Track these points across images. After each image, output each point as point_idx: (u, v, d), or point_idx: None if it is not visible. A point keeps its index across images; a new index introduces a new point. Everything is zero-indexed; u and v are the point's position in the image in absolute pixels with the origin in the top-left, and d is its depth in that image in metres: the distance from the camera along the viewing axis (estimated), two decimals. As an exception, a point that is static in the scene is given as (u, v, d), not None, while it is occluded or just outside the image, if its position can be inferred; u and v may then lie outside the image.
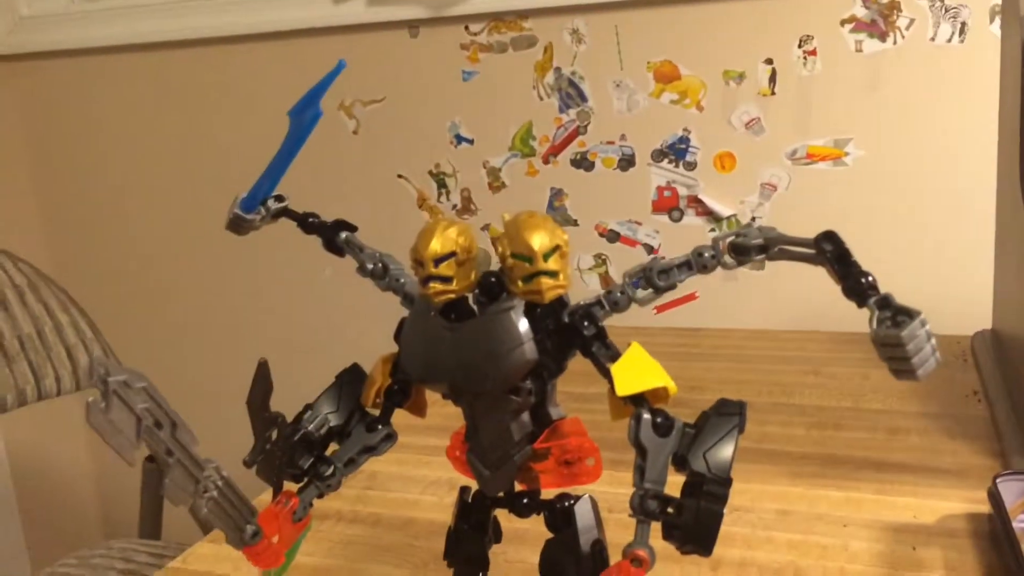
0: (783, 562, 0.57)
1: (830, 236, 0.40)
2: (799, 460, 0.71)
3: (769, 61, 1.37)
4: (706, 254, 0.41)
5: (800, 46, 1.36)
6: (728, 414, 0.39)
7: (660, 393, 0.39)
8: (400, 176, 1.62)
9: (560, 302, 0.40)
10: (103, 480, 1.99)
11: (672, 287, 0.41)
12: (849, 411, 0.79)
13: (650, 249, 1.51)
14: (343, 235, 0.50)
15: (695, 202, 1.46)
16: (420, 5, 1.52)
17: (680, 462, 0.38)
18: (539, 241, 0.38)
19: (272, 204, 0.53)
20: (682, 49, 1.42)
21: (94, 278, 1.84)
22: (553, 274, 0.39)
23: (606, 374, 0.39)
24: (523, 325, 0.39)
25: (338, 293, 1.71)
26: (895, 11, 1.30)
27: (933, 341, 0.36)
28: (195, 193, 1.76)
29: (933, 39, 1.30)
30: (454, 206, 1.60)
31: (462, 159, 1.58)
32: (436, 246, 0.40)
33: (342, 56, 1.60)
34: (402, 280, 0.46)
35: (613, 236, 1.53)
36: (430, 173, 1.60)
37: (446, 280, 0.40)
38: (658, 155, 1.47)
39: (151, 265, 1.82)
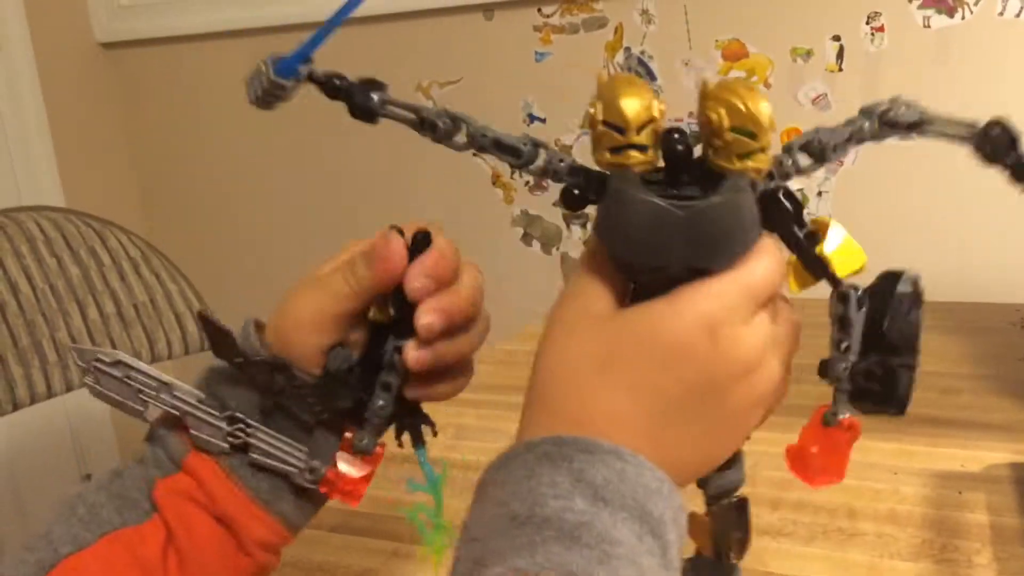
0: (838, 503, 0.63)
1: (1001, 124, 0.39)
2: (857, 416, 0.76)
3: (837, 38, 1.40)
4: (866, 125, 0.39)
5: (868, 23, 1.38)
6: (908, 286, 0.39)
7: (857, 271, 0.39)
8: (475, 154, 1.69)
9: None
10: (197, 442, 2.13)
11: (834, 159, 0.40)
12: (906, 373, 0.83)
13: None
14: (375, 96, 0.41)
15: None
16: (495, -11, 1.58)
17: (869, 332, 0.38)
18: (768, 116, 0.35)
19: (303, 68, 0.43)
20: (750, 27, 1.46)
21: (189, 252, 1.96)
22: (767, 149, 0.36)
23: (805, 254, 0.39)
24: (755, 207, 0.37)
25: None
26: (963, -13, 1.32)
27: None
28: (286, 173, 1.86)
29: (1002, 14, 1.31)
30: (527, 183, 1.67)
31: (534, 136, 1.64)
32: (641, 110, 0.36)
33: (421, 40, 1.67)
34: (527, 147, 0.40)
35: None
36: (504, 151, 1.67)
37: (644, 149, 0.36)
38: (726, 131, 1.51)
39: (245, 243, 1.93)
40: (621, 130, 0.36)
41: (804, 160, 0.39)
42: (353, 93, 0.42)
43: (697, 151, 0.37)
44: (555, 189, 1.66)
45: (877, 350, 0.38)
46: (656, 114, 0.36)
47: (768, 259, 0.37)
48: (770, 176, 0.38)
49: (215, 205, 1.94)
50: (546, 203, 1.66)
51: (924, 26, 1.35)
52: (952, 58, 1.35)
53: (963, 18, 1.33)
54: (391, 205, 1.76)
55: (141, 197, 2.01)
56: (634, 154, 0.36)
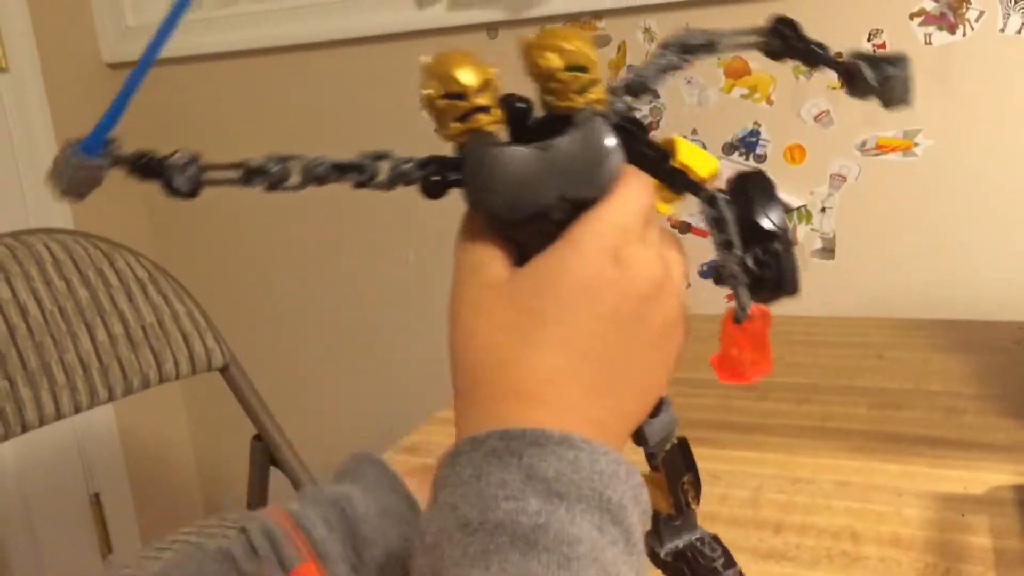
0: (841, 526, 0.63)
1: (785, 19, 0.42)
2: (859, 437, 0.76)
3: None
4: (670, 58, 0.42)
5: (869, 39, 1.39)
6: (758, 179, 0.41)
7: (713, 174, 0.41)
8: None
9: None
10: (204, 461, 2.13)
11: (655, 87, 0.42)
12: (910, 393, 0.84)
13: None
14: (189, 170, 0.41)
15: (766, 193, 1.51)
16: (499, 8, 1.59)
17: (743, 226, 0.39)
18: (589, 48, 0.38)
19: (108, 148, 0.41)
20: (752, 45, 1.46)
21: (198, 273, 1.97)
22: (598, 81, 0.38)
23: (662, 171, 0.40)
24: (610, 131, 0.38)
25: (423, 278, 1.80)
26: (964, 3, 1.33)
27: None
28: (290, 194, 1.87)
29: (1003, 31, 1.32)
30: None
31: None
32: (473, 76, 0.38)
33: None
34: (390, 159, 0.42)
35: (685, 227, 1.58)
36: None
37: (487, 110, 0.38)
38: (729, 148, 1.52)
39: (250, 262, 1.94)
40: (462, 97, 0.38)
41: (630, 98, 0.41)
42: (165, 171, 0.41)
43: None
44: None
45: (756, 240, 0.39)
46: (490, 76, 0.38)
47: (636, 178, 0.38)
48: (625, 108, 0.40)
49: (223, 226, 1.95)
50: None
51: (925, 43, 1.36)
52: (953, 75, 1.35)
53: (964, 35, 1.34)
54: (399, 222, 1.77)
55: (149, 217, 2.02)
56: (481, 116, 0.38)
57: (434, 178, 0.40)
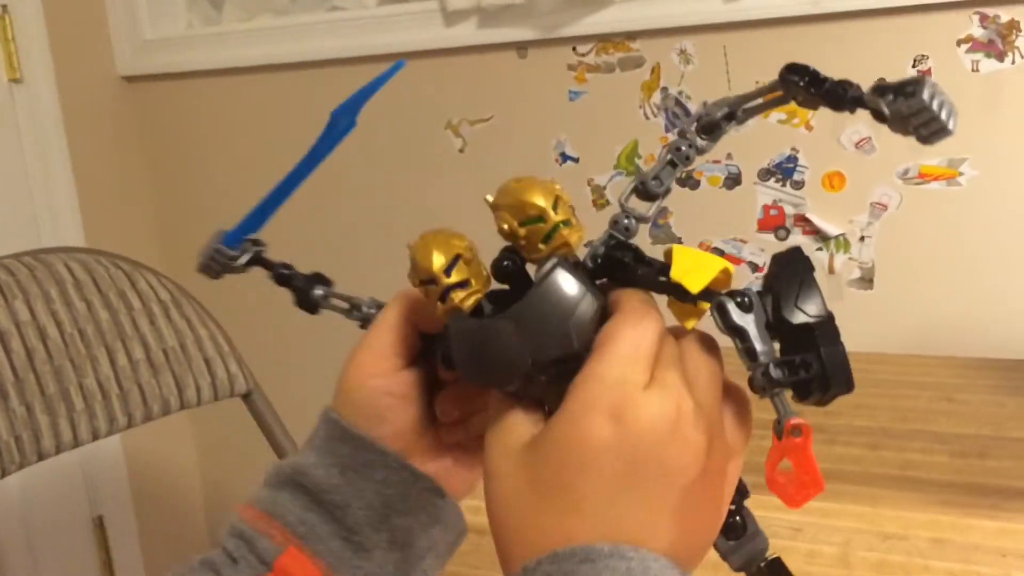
0: (946, 590, 0.58)
1: (795, 67, 0.38)
2: (946, 488, 0.72)
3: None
4: (682, 147, 0.40)
5: (914, 65, 1.35)
6: (792, 261, 0.38)
7: (721, 278, 0.38)
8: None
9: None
10: (210, 487, 2.07)
11: (668, 191, 0.41)
12: (990, 439, 0.79)
13: (755, 267, 1.52)
14: (319, 290, 0.48)
15: (802, 221, 1.47)
16: (529, 27, 1.56)
17: (776, 326, 0.37)
18: (543, 197, 0.37)
19: (250, 247, 0.48)
20: (792, 69, 1.43)
21: (213, 293, 1.92)
22: (567, 222, 0.38)
23: (664, 287, 0.38)
24: (570, 279, 0.37)
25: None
26: (1014, 31, 1.29)
27: (944, 92, 0.36)
28: (305, 210, 1.82)
29: (1054, 59, 1.28)
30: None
31: (567, 177, 1.61)
32: (439, 257, 0.39)
33: (452, 77, 1.64)
34: None
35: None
36: (535, 191, 1.64)
37: (464, 285, 0.39)
38: (765, 174, 1.48)
39: (267, 284, 1.89)
40: (433, 281, 0.39)
41: (640, 207, 0.40)
42: (299, 286, 0.48)
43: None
44: (586, 230, 1.62)
45: (794, 338, 0.36)
46: (460, 251, 0.39)
47: (631, 317, 0.36)
48: (611, 237, 0.39)
49: (236, 241, 1.90)
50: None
51: (972, 70, 1.33)
52: (1001, 103, 1.32)
53: (1013, 63, 1.30)
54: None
55: (161, 234, 1.97)
56: (456, 294, 0.38)
57: (441, 358, 0.44)
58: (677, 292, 0.38)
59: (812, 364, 0.35)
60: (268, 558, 0.42)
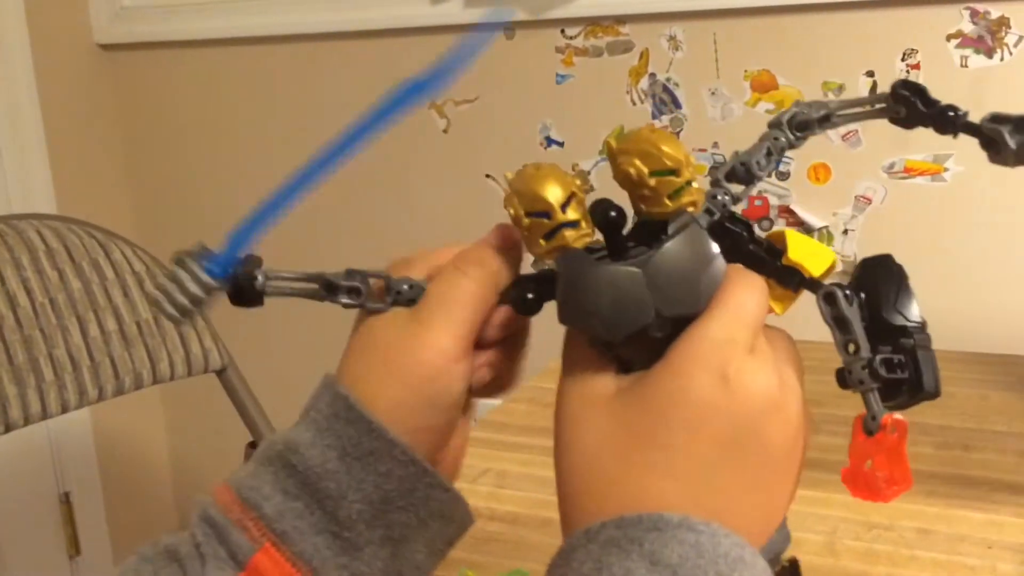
0: (932, 581, 0.58)
1: (908, 83, 0.39)
2: (931, 479, 0.71)
3: (870, 74, 1.37)
4: (780, 137, 0.39)
5: (903, 59, 1.35)
6: (887, 266, 0.39)
7: (830, 268, 0.38)
8: (488, 176, 1.64)
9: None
10: (179, 465, 2.04)
11: (762, 178, 0.40)
12: (975, 432, 0.79)
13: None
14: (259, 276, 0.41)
15: (786, 212, 1.46)
16: (517, 7, 1.54)
17: (872, 325, 0.37)
18: (680, 150, 0.36)
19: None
20: (781, 59, 1.42)
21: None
22: (692, 182, 0.37)
23: (772, 267, 0.38)
24: (708, 238, 0.36)
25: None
26: (1003, 27, 1.29)
27: None
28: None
29: (1042, 57, 1.28)
30: (541, 207, 1.62)
31: (551, 161, 1.59)
32: (556, 190, 0.37)
33: (437, 55, 1.62)
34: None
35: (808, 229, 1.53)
36: (519, 174, 1.62)
37: (575, 225, 0.37)
38: (750, 164, 1.47)
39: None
40: (548, 214, 0.37)
41: (735, 187, 0.39)
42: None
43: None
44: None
45: (887, 339, 0.37)
46: (574, 189, 0.37)
47: (743, 283, 0.36)
48: (708, 212, 0.38)
49: (212, 216, 1.87)
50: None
51: (961, 65, 1.32)
52: (989, 99, 1.32)
53: (1002, 59, 1.30)
54: (403, 222, 1.71)
55: (134, 205, 1.93)
56: (569, 232, 0.37)
57: (529, 296, 0.40)
58: (784, 275, 0.38)
59: (911, 369, 0.36)
60: (241, 555, 0.37)
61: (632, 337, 0.35)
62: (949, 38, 1.32)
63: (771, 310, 0.38)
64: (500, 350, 0.41)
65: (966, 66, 1.32)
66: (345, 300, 0.41)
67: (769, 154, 0.39)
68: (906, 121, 0.40)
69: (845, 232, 1.44)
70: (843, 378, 0.37)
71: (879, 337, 0.37)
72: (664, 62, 1.49)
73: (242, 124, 1.80)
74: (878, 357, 0.36)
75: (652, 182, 0.36)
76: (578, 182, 0.37)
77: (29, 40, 1.69)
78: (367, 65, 1.67)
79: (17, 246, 1.05)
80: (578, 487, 0.35)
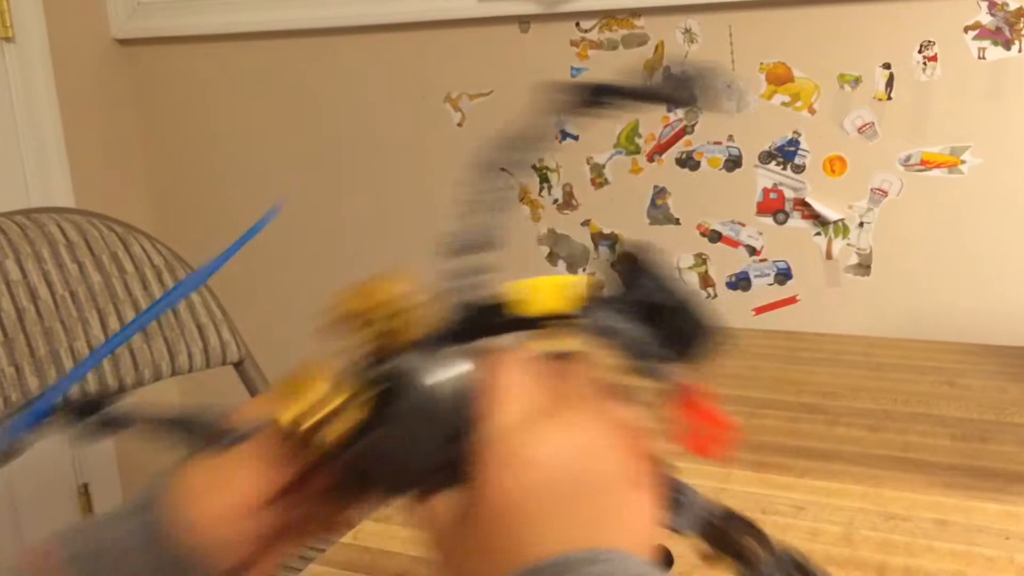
0: (950, 571, 0.58)
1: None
2: (948, 471, 0.71)
3: (887, 66, 1.37)
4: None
5: (920, 51, 1.34)
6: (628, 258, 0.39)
7: (566, 295, 0.38)
8: (503, 169, 1.64)
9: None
10: (197, 453, 2.06)
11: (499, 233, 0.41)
12: (992, 424, 0.79)
13: (752, 250, 1.51)
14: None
15: (802, 205, 1.46)
16: (532, 1, 1.54)
17: (650, 311, 0.37)
18: (361, 301, 0.38)
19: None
20: (797, 51, 1.42)
21: (202, 258, 1.90)
22: (376, 319, 0.38)
23: (515, 326, 0.38)
24: (437, 372, 0.37)
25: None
26: (1021, 19, 1.29)
27: None
28: (299, 181, 1.80)
29: (1061, 48, 1.28)
30: (555, 200, 1.62)
31: (566, 154, 1.60)
32: (288, 408, 0.39)
33: (453, 50, 1.62)
34: None
35: (715, 236, 1.53)
36: (533, 167, 1.62)
37: (328, 420, 0.38)
38: (766, 157, 1.47)
39: (259, 247, 1.87)
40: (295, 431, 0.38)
41: (472, 261, 0.39)
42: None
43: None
44: (584, 208, 1.60)
45: (650, 314, 0.37)
46: (316, 389, 0.38)
47: (494, 378, 0.36)
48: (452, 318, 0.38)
49: (228, 210, 1.88)
50: (574, 223, 1.61)
51: (979, 57, 1.32)
52: (1006, 91, 1.31)
53: (1020, 51, 1.29)
54: (418, 215, 1.71)
55: (151, 199, 1.95)
56: (327, 430, 0.37)
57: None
58: (543, 323, 0.38)
59: (686, 320, 0.37)
60: None
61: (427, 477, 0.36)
62: (967, 30, 1.31)
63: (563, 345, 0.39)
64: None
65: (984, 58, 1.32)
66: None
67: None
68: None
69: (861, 225, 1.43)
70: (634, 369, 0.37)
71: (657, 322, 0.37)
72: (679, 55, 1.49)
73: (258, 118, 1.81)
74: (656, 349, 0.36)
75: (372, 334, 0.37)
76: (322, 373, 0.38)
77: (47, 35, 1.70)
78: (385, 59, 1.67)
79: (38, 239, 1.06)
80: None
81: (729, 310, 1.58)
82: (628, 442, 0.37)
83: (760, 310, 1.56)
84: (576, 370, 0.38)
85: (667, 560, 0.40)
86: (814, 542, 0.63)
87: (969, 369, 0.91)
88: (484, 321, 0.38)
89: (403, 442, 0.36)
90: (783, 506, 0.67)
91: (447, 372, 0.37)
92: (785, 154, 1.46)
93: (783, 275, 1.49)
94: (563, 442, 0.35)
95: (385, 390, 0.37)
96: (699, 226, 1.54)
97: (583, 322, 0.37)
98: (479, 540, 0.35)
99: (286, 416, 0.37)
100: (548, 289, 0.38)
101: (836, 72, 1.40)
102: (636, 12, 1.49)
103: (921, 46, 1.34)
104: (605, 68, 1.53)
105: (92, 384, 1.07)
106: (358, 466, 0.38)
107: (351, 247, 1.79)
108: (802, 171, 1.45)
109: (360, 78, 1.69)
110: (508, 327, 0.38)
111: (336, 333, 0.38)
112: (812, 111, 1.42)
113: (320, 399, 0.37)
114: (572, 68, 1.56)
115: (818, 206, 1.45)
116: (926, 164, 1.38)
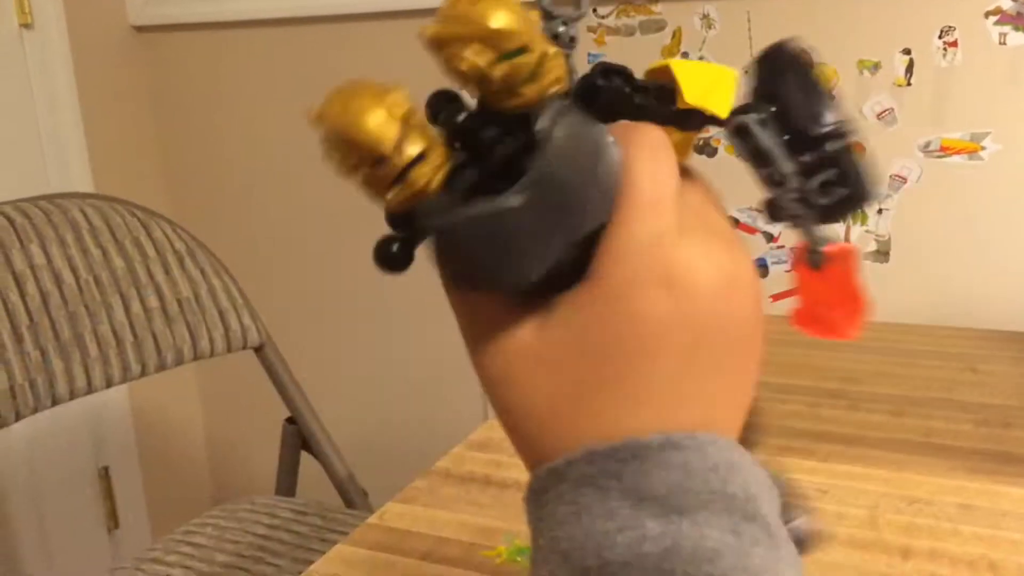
0: (975, 554, 0.58)
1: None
2: (972, 456, 0.71)
3: (907, 51, 1.36)
4: None
5: (940, 37, 1.34)
6: (786, 60, 0.33)
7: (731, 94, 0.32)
8: None
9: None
10: (214, 440, 2.08)
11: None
12: (1015, 410, 0.79)
13: (769, 237, 1.51)
14: None
15: (820, 191, 1.46)
16: (550, -14, 1.53)
17: (791, 141, 0.32)
18: (516, 19, 0.26)
19: None
20: (816, 37, 1.41)
21: (219, 243, 1.92)
22: (548, 52, 0.27)
23: (672, 117, 0.31)
24: (589, 125, 0.29)
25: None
26: (1044, 4, 1.28)
27: None
28: (318, 167, 1.81)
29: (1083, 34, 1.27)
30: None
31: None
32: (381, 118, 0.27)
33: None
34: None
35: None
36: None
37: (421, 158, 0.28)
38: (784, 143, 1.46)
39: (274, 230, 1.88)
40: (382, 159, 0.27)
41: (567, 11, 0.31)
42: None
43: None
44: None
45: (808, 149, 0.31)
46: (405, 108, 0.27)
47: (645, 155, 0.29)
48: (572, 76, 0.30)
49: (246, 197, 1.89)
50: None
51: (1000, 43, 1.31)
52: (1028, 77, 1.30)
53: (1042, 36, 1.29)
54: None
55: (169, 185, 1.96)
56: (418, 173, 0.27)
57: (393, 248, 0.31)
58: (682, 120, 0.31)
59: (844, 181, 0.31)
60: None
61: (538, 280, 0.29)
62: (988, 15, 1.31)
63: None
64: None
65: (1005, 43, 1.31)
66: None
67: None
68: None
69: (880, 211, 1.43)
70: (774, 210, 0.32)
71: (799, 149, 0.32)
72: (697, 41, 1.48)
73: (276, 105, 1.82)
74: (815, 182, 0.31)
75: (498, 73, 0.26)
76: (403, 95, 0.28)
77: (65, 23, 1.70)
78: (404, 45, 1.67)
79: (61, 224, 1.07)
80: (532, 444, 0.30)
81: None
82: (754, 271, 0.31)
83: (778, 297, 1.56)
84: (704, 188, 0.32)
85: None
86: (840, 525, 0.63)
87: (991, 355, 0.91)
88: (624, 99, 0.31)
89: (516, 228, 0.28)
90: (807, 489, 0.67)
91: (590, 135, 0.29)
92: (803, 140, 1.45)
93: (801, 262, 1.49)
94: (714, 270, 0.29)
95: (511, 151, 0.28)
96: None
97: (741, 134, 0.31)
98: (562, 388, 0.29)
99: (372, 142, 0.27)
100: (718, 86, 0.31)
101: (855, 58, 1.39)
102: (654, -3, 1.49)
103: (941, 31, 1.33)
104: (623, 54, 1.53)
105: (115, 369, 1.08)
106: (452, 257, 0.29)
107: (372, 232, 1.79)
108: (820, 157, 1.44)
109: (380, 64, 1.69)
110: (658, 114, 0.31)
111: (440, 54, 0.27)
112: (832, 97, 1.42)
113: (410, 134, 0.27)
114: (589, 54, 1.55)
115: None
116: (946, 150, 1.37)
